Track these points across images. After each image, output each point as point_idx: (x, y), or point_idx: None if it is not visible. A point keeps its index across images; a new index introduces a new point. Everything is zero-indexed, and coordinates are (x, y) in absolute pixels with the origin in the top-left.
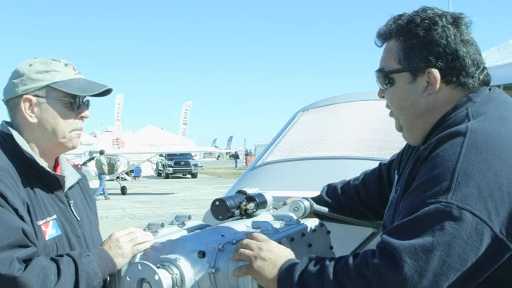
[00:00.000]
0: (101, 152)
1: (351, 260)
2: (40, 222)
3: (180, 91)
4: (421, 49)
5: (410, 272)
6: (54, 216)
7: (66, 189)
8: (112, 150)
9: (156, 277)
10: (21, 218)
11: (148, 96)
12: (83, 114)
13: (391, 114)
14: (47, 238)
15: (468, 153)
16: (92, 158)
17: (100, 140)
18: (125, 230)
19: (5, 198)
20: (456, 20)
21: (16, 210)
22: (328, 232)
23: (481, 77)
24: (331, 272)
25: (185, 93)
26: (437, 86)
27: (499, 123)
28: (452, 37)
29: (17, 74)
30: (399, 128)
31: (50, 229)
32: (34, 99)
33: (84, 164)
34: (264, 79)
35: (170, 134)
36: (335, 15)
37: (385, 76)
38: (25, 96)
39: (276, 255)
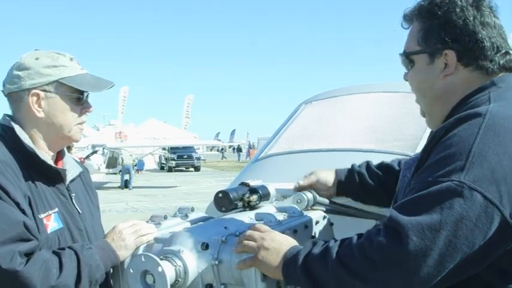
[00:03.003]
0: None
1: (355, 239)
2: (42, 216)
3: (182, 84)
4: (438, 30)
5: (415, 250)
6: (56, 210)
7: (67, 182)
8: (115, 143)
9: (160, 269)
10: (23, 211)
11: (151, 90)
12: (87, 109)
13: (417, 100)
14: (48, 231)
15: (485, 135)
16: (95, 152)
17: (103, 133)
18: (128, 222)
19: (7, 192)
20: (477, 2)
21: (17, 204)
22: (331, 224)
23: (501, 62)
24: (335, 253)
25: (188, 86)
26: (454, 68)
27: None
28: (471, 18)
29: (22, 67)
30: (422, 113)
31: (51, 222)
32: (42, 93)
33: (87, 157)
34: (267, 72)
35: (173, 128)
36: (339, 7)
37: (407, 58)
38: (33, 90)
39: (279, 243)
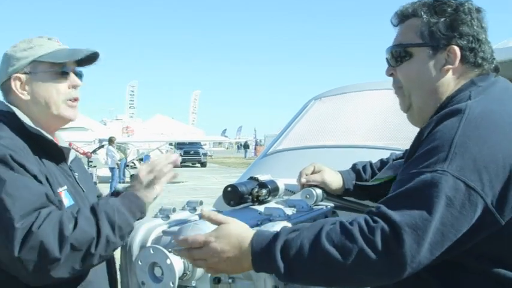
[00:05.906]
0: None
1: (343, 233)
2: (59, 190)
3: (189, 80)
4: (445, 26)
5: (410, 246)
6: (65, 187)
7: (69, 162)
8: (121, 138)
9: (168, 261)
10: (40, 183)
11: (158, 85)
12: (74, 83)
13: (397, 93)
14: (66, 206)
15: (466, 128)
16: (102, 146)
17: (109, 128)
18: (147, 164)
19: (23, 166)
20: (478, 8)
21: (35, 177)
22: None
23: (494, 64)
24: (322, 244)
25: (195, 82)
26: (457, 63)
27: (497, 103)
28: (476, 21)
29: (4, 58)
30: (406, 107)
31: (64, 198)
32: (23, 76)
33: (94, 151)
34: (275, 69)
35: (180, 123)
36: (347, 4)
37: (404, 50)
38: (14, 75)
39: (230, 250)
